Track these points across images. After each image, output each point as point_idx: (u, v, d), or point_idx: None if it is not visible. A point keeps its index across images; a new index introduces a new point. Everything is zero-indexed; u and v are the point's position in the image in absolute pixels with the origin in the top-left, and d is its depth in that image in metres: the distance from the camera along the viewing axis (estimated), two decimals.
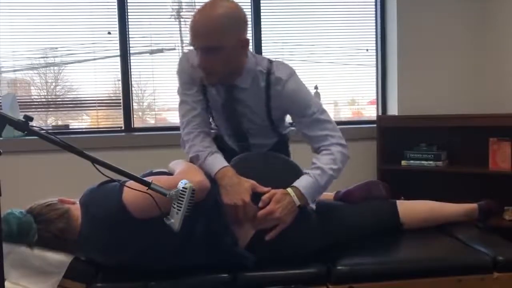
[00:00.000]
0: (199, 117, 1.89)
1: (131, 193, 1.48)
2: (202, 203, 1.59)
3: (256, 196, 1.71)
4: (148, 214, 1.52)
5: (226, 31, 1.67)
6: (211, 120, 2.03)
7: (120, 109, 3.34)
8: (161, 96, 3.38)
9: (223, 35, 1.66)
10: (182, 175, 1.64)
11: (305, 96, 1.84)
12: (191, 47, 1.75)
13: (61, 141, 1.28)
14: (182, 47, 3.34)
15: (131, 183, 1.43)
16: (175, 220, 1.38)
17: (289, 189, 1.72)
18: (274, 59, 1.89)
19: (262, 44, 3.41)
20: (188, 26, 1.69)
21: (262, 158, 1.91)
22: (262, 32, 3.41)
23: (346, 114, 3.71)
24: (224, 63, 1.72)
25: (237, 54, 1.74)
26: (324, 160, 1.79)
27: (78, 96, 3.36)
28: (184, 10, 3.34)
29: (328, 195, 2.14)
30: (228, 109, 1.90)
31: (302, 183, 1.75)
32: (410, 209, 2.04)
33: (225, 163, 1.78)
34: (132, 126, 3.34)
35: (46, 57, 3.28)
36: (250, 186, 1.71)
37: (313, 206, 1.84)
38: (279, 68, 1.82)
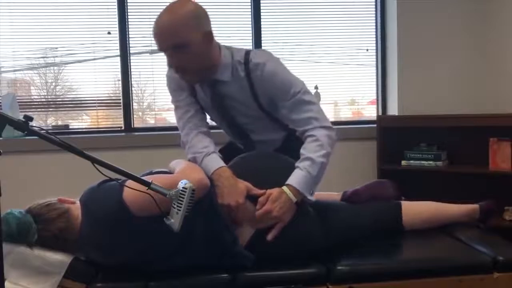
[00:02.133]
0: (195, 117, 1.90)
1: (131, 191, 1.48)
2: (201, 202, 1.59)
3: (253, 198, 1.72)
4: (148, 213, 1.52)
5: (188, 27, 1.69)
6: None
7: (120, 109, 3.34)
8: (161, 96, 3.38)
9: (186, 30, 1.69)
10: (181, 173, 1.64)
11: (286, 76, 1.82)
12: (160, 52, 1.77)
13: (61, 141, 1.27)
14: None
15: (131, 182, 1.42)
16: (175, 220, 1.38)
17: (284, 188, 1.72)
18: (252, 49, 1.90)
19: (262, 44, 3.41)
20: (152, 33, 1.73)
21: (261, 158, 1.90)
22: (262, 32, 3.41)
23: (346, 114, 3.71)
24: (194, 59, 1.74)
25: (204, 48, 1.75)
26: (311, 148, 1.76)
27: (78, 96, 3.36)
28: None
29: (334, 195, 2.13)
30: (217, 106, 1.91)
31: (294, 179, 1.73)
32: (412, 210, 2.03)
33: (222, 163, 1.78)
34: (132, 126, 3.34)
35: (46, 57, 3.28)
36: (245, 188, 1.71)
37: (311, 198, 1.82)
38: (256, 55, 1.83)
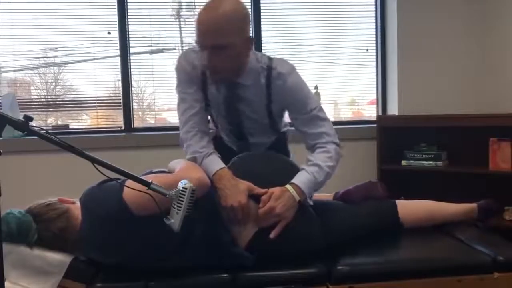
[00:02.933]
0: (198, 115, 1.88)
1: (131, 190, 1.47)
2: (201, 203, 1.59)
3: (255, 197, 1.72)
4: (148, 212, 1.52)
5: (234, 29, 1.68)
6: (210, 119, 2.04)
7: (120, 109, 3.34)
8: (161, 96, 3.38)
9: (232, 33, 1.67)
10: (182, 172, 1.64)
11: (306, 92, 1.86)
12: (197, 47, 1.74)
13: (61, 141, 1.27)
14: (182, 47, 3.33)
15: (131, 182, 1.42)
16: (175, 220, 1.38)
17: (287, 186, 1.74)
18: (273, 56, 1.90)
19: (262, 44, 3.41)
20: (190, 25, 1.70)
21: (261, 158, 1.91)
22: (262, 32, 3.41)
23: (346, 114, 3.71)
24: (232, 61, 1.73)
25: (243, 51, 1.75)
26: (321, 157, 1.81)
27: (78, 96, 3.36)
28: (184, 10, 3.34)
29: (326, 195, 2.14)
30: (228, 107, 1.90)
31: (300, 179, 1.76)
32: (409, 209, 2.04)
33: (222, 165, 1.78)
34: (132, 126, 3.34)
35: (46, 57, 3.28)
36: (246, 188, 1.72)
37: (310, 202, 1.84)
38: (280, 64, 1.84)
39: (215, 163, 1.79)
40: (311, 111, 1.84)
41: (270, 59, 1.85)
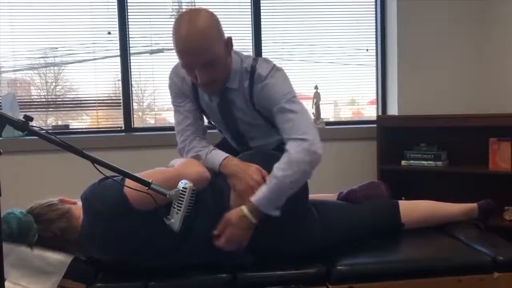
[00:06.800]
0: (193, 126, 1.90)
1: (131, 185, 1.47)
2: (202, 202, 1.59)
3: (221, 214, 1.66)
4: (149, 206, 1.51)
5: (215, 40, 1.65)
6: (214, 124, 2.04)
7: (120, 109, 3.34)
8: (161, 96, 3.39)
9: (214, 45, 1.64)
10: (181, 166, 1.64)
11: (280, 89, 1.74)
12: (183, 67, 1.71)
13: (61, 141, 1.27)
14: None
15: (131, 182, 1.42)
16: (175, 220, 1.38)
17: (244, 208, 1.63)
18: (258, 57, 1.86)
19: (262, 44, 3.41)
20: (174, 43, 1.65)
21: (268, 157, 1.89)
22: (262, 32, 3.41)
23: (346, 114, 3.71)
24: (221, 70, 1.72)
25: (227, 57, 1.73)
26: (280, 165, 1.64)
27: (78, 96, 3.36)
28: (184, 10, 3.34)
29: (330, 196, 2.14)
30: (223, 112, 1.89)
31: (258, 195, 1.63)
32: (410, 209, 2.04)
33: (226, 154, 1.79)
34: (132, 126, 3.35)
35: (46, 57, 3.28)
36: (257, 167, 1.70)
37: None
38: (261, 65, 1.78)
39: (220, 154, 1.79)
40: (279, 103, 1.70)
41: (254, 60, 1.80)
